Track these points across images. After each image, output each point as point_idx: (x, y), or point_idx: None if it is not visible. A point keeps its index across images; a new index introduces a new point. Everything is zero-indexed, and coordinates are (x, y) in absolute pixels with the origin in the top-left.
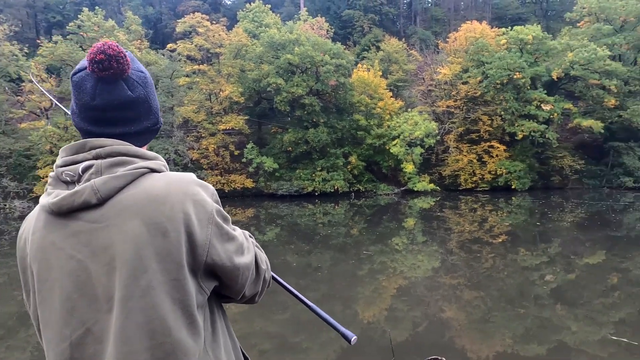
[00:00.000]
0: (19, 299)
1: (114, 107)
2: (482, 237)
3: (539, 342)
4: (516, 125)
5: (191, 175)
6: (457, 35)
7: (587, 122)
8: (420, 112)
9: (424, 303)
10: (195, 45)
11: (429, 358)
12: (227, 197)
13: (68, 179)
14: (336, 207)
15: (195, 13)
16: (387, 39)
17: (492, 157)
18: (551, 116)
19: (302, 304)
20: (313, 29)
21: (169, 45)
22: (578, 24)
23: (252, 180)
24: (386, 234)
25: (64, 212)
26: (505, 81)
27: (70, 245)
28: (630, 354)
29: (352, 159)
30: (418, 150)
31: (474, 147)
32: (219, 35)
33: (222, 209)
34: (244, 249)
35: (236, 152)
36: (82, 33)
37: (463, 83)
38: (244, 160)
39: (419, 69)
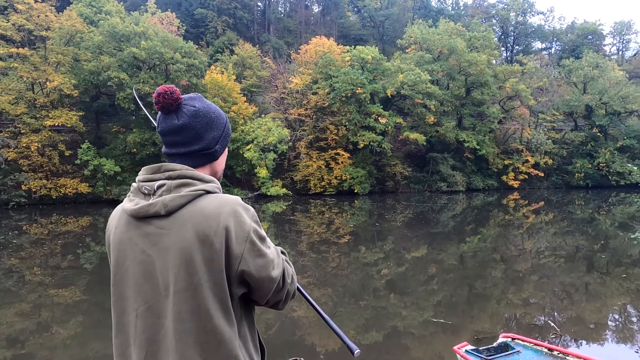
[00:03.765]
0: None
1: (167, 132)
2: (329, 238)
3: (377, 329)
4: (358, 135)
5: (237, 199)
6: (308, 47)
7: (413, 135)
8: (273, 119)
9: None
10: (13, 24)
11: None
12: (54, 205)
13: (146, 191)
14: None
15: None
16: (242, 44)
17: (338, 163)
18: (386, 128)
19: (318, 314)
20: (162, 23)
21: None
22: (407, 50)
23: (88, 184)
24: None
25: (140, 217)
26: (349, 95)
27: (143, 242)
28: (444, 330)
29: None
30: (271, 155)
31: (323, 154)
32: (46, 16)
33: (259, 229)
34: (273, 264)
35: (67, 153)
36: None
37: (313, 93)
38: (77, 162)
39: (272, 76)
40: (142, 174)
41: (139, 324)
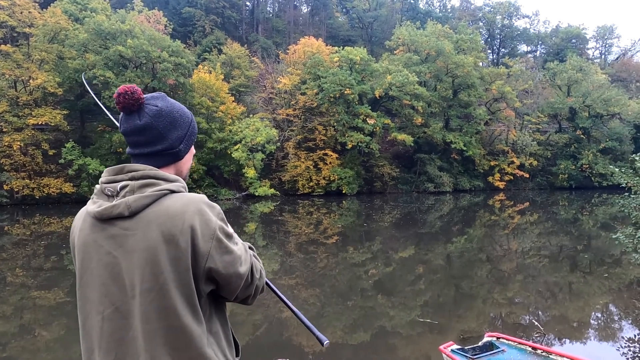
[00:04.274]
0: None
1: (129, 132)
2: (317, 238)
3: (364, 329)
4: (346, 135)
5: (202, 197)
6: (297, 48)
7: (401, 136)
8: (261, 119)
9: (264, 306)
10: None
11: None
12: (37, 205)
13: (109, 193)
14: None
15: None
16: (230, 43)
17: (326, 164)
18: (374, 129)
19: (287, 307)
20: (149, 22)
21: None
22: (395, 52)
23: (72, 184)
24: None
25: (104, 219)
26: (337, 95)
27: (108, 244)
28: (430, 329)
29: (192, 163)
30: (259, 155)
31: (311, 154)
32: (29, 12)
33: (226, 226)
34: (241, 261)
35: (51, 152)
36: None
37: (301, 94)
38: (61, 161)
39: (260, 76)
40: (104, 176)
41: (106, 326)
